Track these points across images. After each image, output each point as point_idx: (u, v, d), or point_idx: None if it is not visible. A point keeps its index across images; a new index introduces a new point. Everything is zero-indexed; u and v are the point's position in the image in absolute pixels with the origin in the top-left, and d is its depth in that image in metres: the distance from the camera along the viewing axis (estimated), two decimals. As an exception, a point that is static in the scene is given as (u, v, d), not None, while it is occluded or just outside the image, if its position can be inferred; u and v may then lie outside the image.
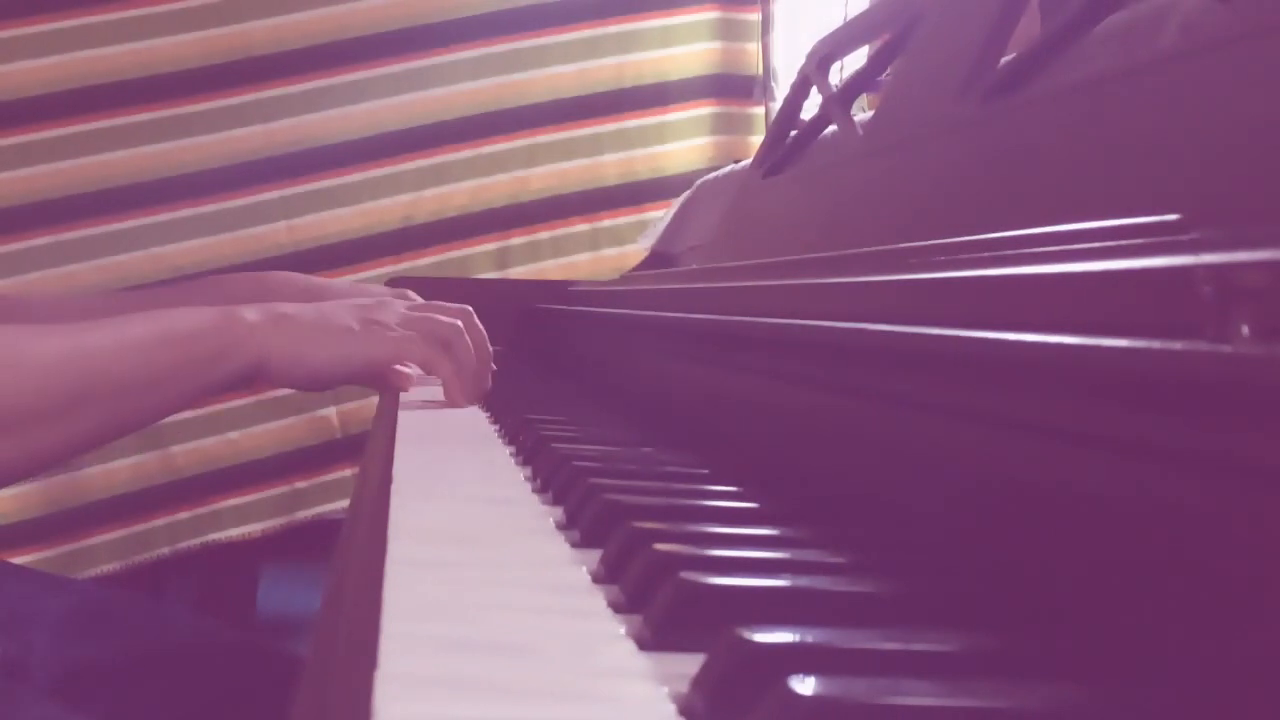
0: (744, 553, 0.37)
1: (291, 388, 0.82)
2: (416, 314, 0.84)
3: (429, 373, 0.83)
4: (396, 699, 0.24)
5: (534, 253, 1.83)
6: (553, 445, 0.59)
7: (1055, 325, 0.29)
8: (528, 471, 0.58)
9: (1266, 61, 0.35)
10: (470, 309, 0.87)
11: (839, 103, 0.86)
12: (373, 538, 0.40)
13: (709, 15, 1.89)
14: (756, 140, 1.79)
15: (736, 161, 1.54)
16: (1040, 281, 0.31)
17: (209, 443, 1.69)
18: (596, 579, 0.36)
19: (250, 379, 0.79)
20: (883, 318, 0.40)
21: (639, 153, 1.86)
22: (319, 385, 0.82)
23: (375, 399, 1.04)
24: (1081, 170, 0.44)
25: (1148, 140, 0.40)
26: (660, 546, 0.35)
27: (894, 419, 0.42)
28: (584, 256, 1.84)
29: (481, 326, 0.86)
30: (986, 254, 0.37)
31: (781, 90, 1.86)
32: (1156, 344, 0.25)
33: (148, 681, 0.78)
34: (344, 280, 1.47)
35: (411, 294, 1.08)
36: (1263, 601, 0.23)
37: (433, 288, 1.55)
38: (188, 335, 0.75)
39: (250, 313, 0.78)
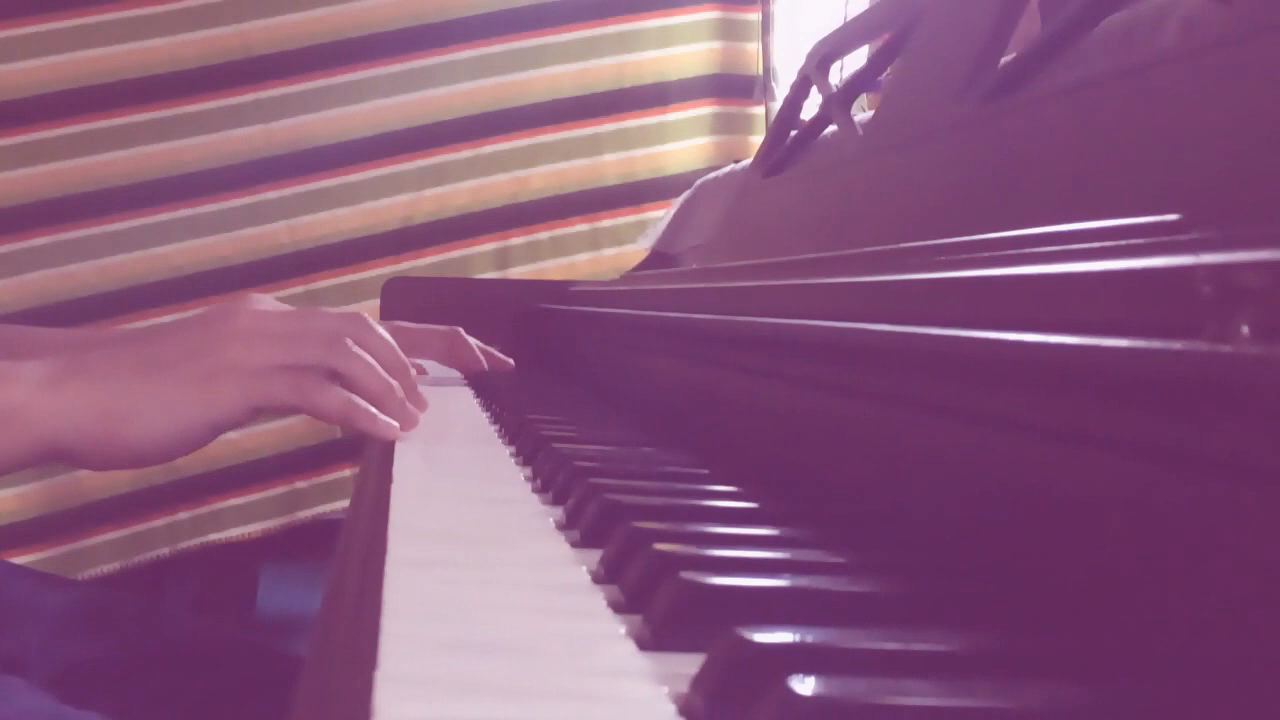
0: (744, 553, 0.37)
1: (120, 469, 0.62)
2: (280, 329, 0.60)
3: (318, 417, 0.61)
4: (396, 699, 0.24)
5: (534, 253, 1.83)
6: (553, 445, 0.59)
7: (1055, 325, 0.29)
8: (528, 471, 0.58)
9: (1266, 61, 0.35)
10: (361, 315, 0.63)
11: (839, 103, 0.86)
12: (373, 538, 0.40)
13: (709, 15, 1.89)
14: (756, 140, 1.79)
15: (736, 161, 1.54)
16: (1040, 281, 0.31)
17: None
18: (596, 579, 0.36)
19: (48, 462, 0.60)
20: (883, 318, 0.40)
21: (639, 153, 1.87)
22: (150, 463, 0.61)
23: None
24: (1082, 170, 0.44)
25: (1148, 140, 0.40)
26: (660, 546, 0.35)
27: (894, 419, 0.42)
28: (584, 256, 1.84)
29: (384, 334, 0.63)
30: (986, 254, 0.37)
31: (781, 90, 1.86)
32: (1156, 344, 0.25)
33: (147, 681, 0.78)
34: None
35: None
36: (1263, 601, 0.23)
37: (433, 288, 1.56)
38: None
39: (31, 371, 0.58)
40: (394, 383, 0.61)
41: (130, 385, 0.58)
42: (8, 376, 0.57)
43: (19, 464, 0.58)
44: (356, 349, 0.60)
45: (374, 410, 0.60)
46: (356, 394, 0.60)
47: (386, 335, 0.63)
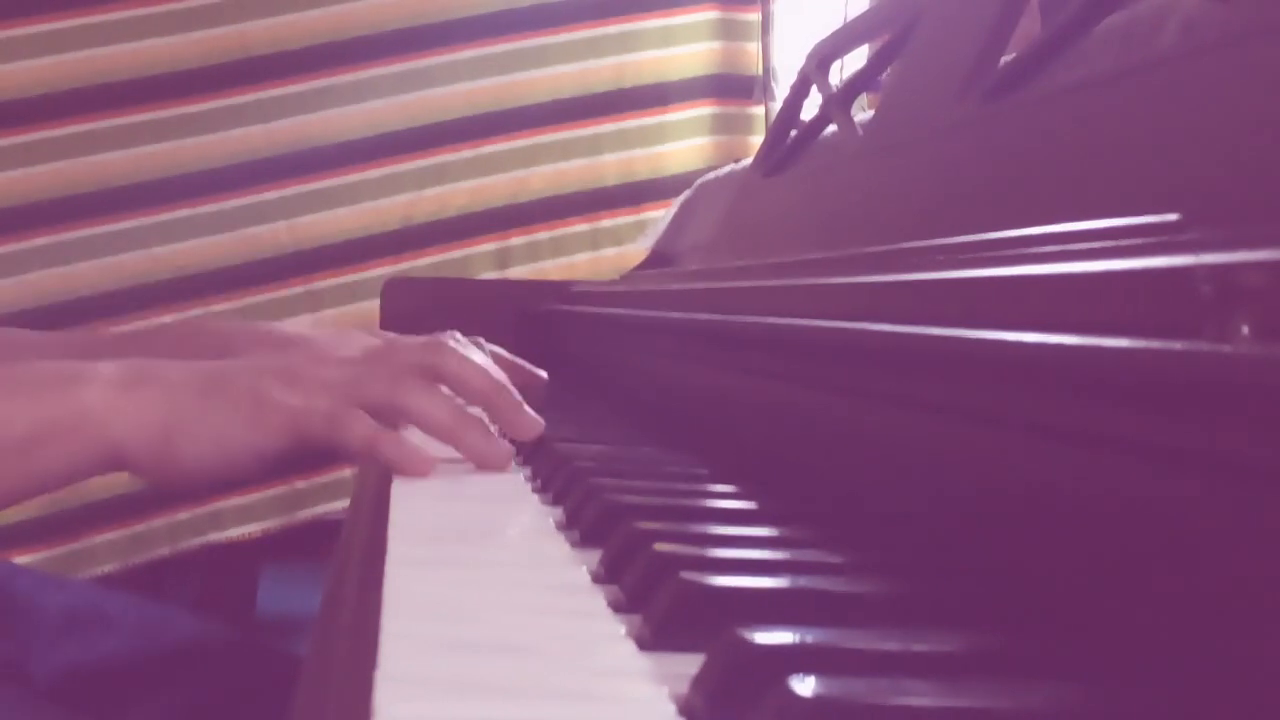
0: (744, 553, 0.37)
1: (167, 489, 0.62)
2: (340, 372, 0.57)
3: (349, 455, 0.57)
4: (397, 699, 0.24)
5: (534, 253, 1.83)
6: (553, 445, 0.59)
7: (1055, 325, 0.29)
8: (528, 472, 0.58)
9: (1266, 61, 0.35)
10: (441, 343, 0.58)
11: (839, 103, 0.86)
12: (373, 538, 0.40)
13: (709, 15, 1.89)
14: (756, 140, 1.79)
15: (736, 161, 1.54)
16: (1040, 281, 0.31)
17: (209, 443, 1.69)
18: (596, 579, 0.36)
19: (109, 470, 0.58)
20: (883, 318, 0.40)
21: (639, 153, 1.86)
22: (196, 483, 0.58)
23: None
24: (1082, 170, 0.44)
25: (1148, 140, 0.40)
26: (660, 546, 0.35)
27: (893, 419, 0.42)
28: (584, 256, 1.84)
29: (467, 360, 0.58)
30: (986, 254, 0.37)
31: (781, 90, 1.86)
32: (1156, 344, 0.25)
33: (147, 681, 0.78)
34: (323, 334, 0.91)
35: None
36: (1262, 601, 0.23)
37: (433, 288, 1.55)
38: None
39: (105, 371, 0.56)
40: (472, 417, 0.57)
41: (190, 401, 0.56)
42: (83, 378, 0.56)
43: (88, 470, 0.57)
44: (422, 385, 0.56)
45: (402, 445, 0.54)
46: (430, 433, 0.56)
47: (474, 359, 0.59)
